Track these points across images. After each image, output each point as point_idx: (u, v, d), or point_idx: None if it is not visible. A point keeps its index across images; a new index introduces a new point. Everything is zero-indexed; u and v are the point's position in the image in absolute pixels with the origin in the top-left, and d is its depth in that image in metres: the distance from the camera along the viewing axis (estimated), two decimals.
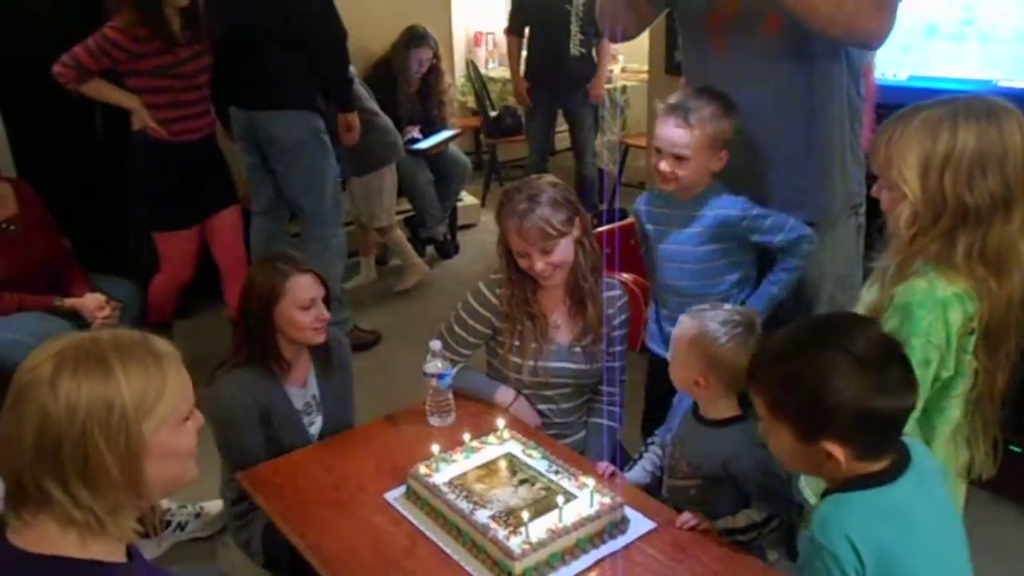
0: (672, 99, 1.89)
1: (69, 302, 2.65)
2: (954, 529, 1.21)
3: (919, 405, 1.32)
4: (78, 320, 2.62)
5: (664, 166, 1.88)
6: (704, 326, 1.60)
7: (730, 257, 1.96)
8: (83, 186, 3.55)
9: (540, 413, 2.03)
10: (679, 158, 1.86)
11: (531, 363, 1.98)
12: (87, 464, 0.98)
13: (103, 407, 0.99)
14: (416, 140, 4.19)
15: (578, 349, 2.00)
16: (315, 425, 2.02)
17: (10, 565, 1.00)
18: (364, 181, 3.88)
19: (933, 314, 1.27)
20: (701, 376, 1.60)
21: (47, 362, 1.00)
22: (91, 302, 2.67)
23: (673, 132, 1.85)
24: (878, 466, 1.13)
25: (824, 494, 1.18)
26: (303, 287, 1.90)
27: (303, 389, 2.01)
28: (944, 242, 1.29)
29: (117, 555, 1.06)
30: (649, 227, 2.05)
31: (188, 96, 2.83)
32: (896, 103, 1.39)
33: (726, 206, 1.92)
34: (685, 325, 1.63)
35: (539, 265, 1.90)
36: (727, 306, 1.68)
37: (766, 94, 1.87)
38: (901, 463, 1.14)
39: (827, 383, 1.09)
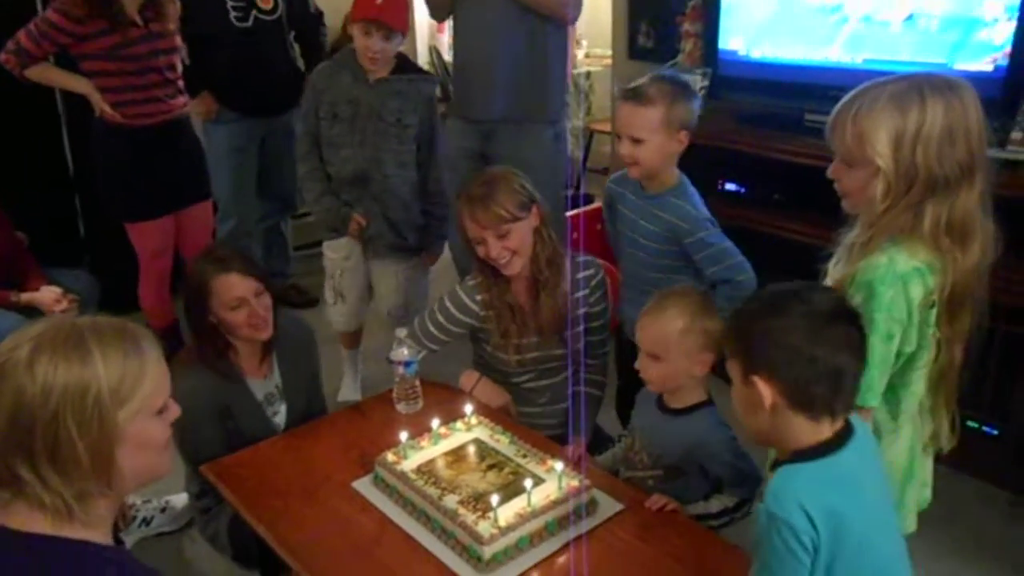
0: (629, 84, 1.92)
1: (25, 296, 2.59)
2: (888, 494, 1.30)
3: (884, 380, 1.34)
4: (35, 315, 2.54)
5: (624, 149, 1.89)
6: (691, 310, 1.59)
7: (682, 261, 1.95)
8: (39, 177, 3.46)
9: (534, 391, 2.05)
10: (637, 140, 1.87)
11: (516, 356, 1.99)
12: (57, 447, 0.98)
13: (78, 391, 0.98)
14: None
15: (553, 337, 2.00)
16: (279, 415, 1.99)
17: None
18: (405, 268, 2.69)
19: (894, 289, 1.30)
20: (707, 356, 1.59)
21: (25, 344, 0.99)
22: (48, 296, 2.61)
23: (629, 115, 1.88)
24: (822, 435, 1.16)
25: (773, 466, 1.20)
26: (228, 287, 1.84)
27: (265, 380, 1.98)
28: (912, 213, 1.31)
29: (103, 539, 1.06)
30: (619, 208, 2.05)
31: (141, 79, 2.68)
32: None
33: (682, 217, 1.91)
34: (670, 320, 1.60)
35: (495, 251, 1.89)
36: (679, 288, 1.70)
37: (500, 39, 2.65)
38: (845, 434, 1.18)
39: (773, 321, 1.15)
